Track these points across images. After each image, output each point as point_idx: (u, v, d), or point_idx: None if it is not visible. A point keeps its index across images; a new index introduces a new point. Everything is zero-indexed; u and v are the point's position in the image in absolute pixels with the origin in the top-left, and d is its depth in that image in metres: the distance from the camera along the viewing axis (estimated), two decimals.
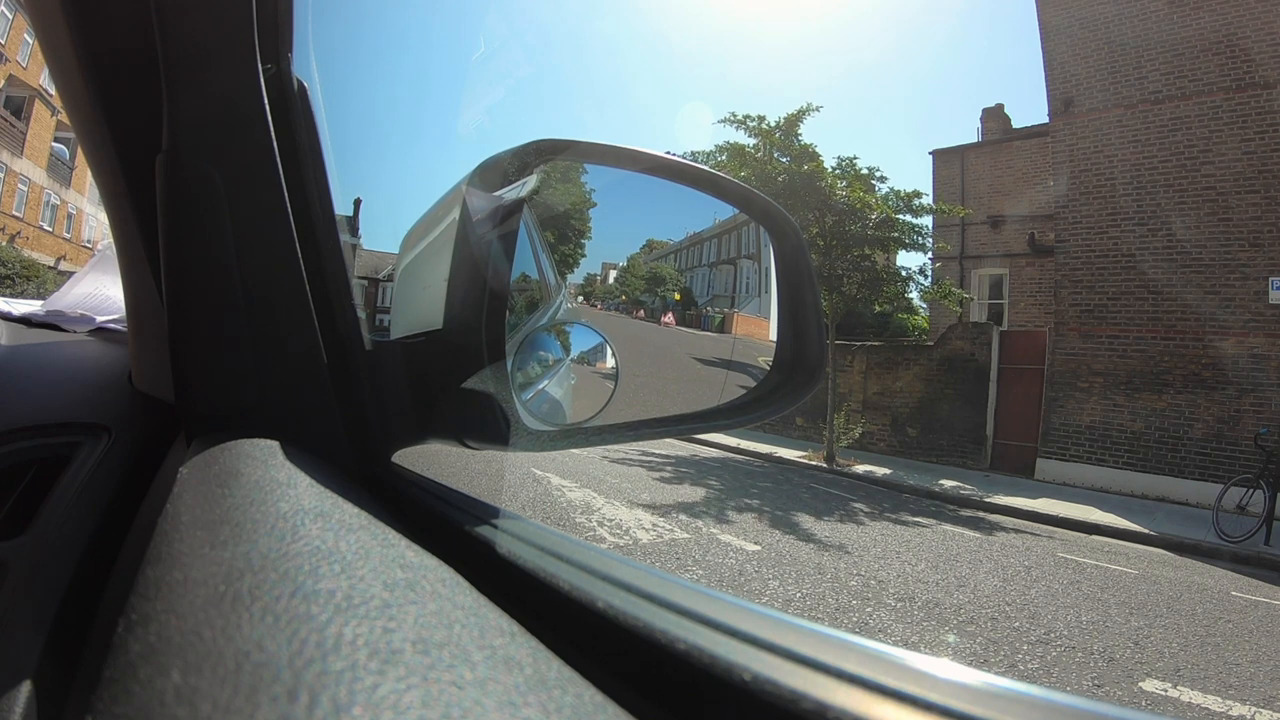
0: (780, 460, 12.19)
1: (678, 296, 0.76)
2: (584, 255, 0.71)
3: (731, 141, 12.48)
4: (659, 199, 0.73)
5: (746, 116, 12.05)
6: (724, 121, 12.21)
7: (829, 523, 7.21)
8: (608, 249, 0.72)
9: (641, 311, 0.74)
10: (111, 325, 1.26)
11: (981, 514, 9.04)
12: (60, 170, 25.95)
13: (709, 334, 0.80)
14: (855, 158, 12.35)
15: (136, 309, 0.78)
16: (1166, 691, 3.55)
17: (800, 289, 0.76)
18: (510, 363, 0.61)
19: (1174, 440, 10.92)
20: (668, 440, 11.08)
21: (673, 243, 0.77)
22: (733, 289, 0.82)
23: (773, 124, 11.96)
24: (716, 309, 0.82)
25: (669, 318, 0.76)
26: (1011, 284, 15.70)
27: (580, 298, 0.71)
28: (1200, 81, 11.10)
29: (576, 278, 0.71)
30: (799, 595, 4.60)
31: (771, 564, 5.25)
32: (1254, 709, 3.39)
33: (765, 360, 0.77)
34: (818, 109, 12.00)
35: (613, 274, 0.73)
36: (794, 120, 11.84)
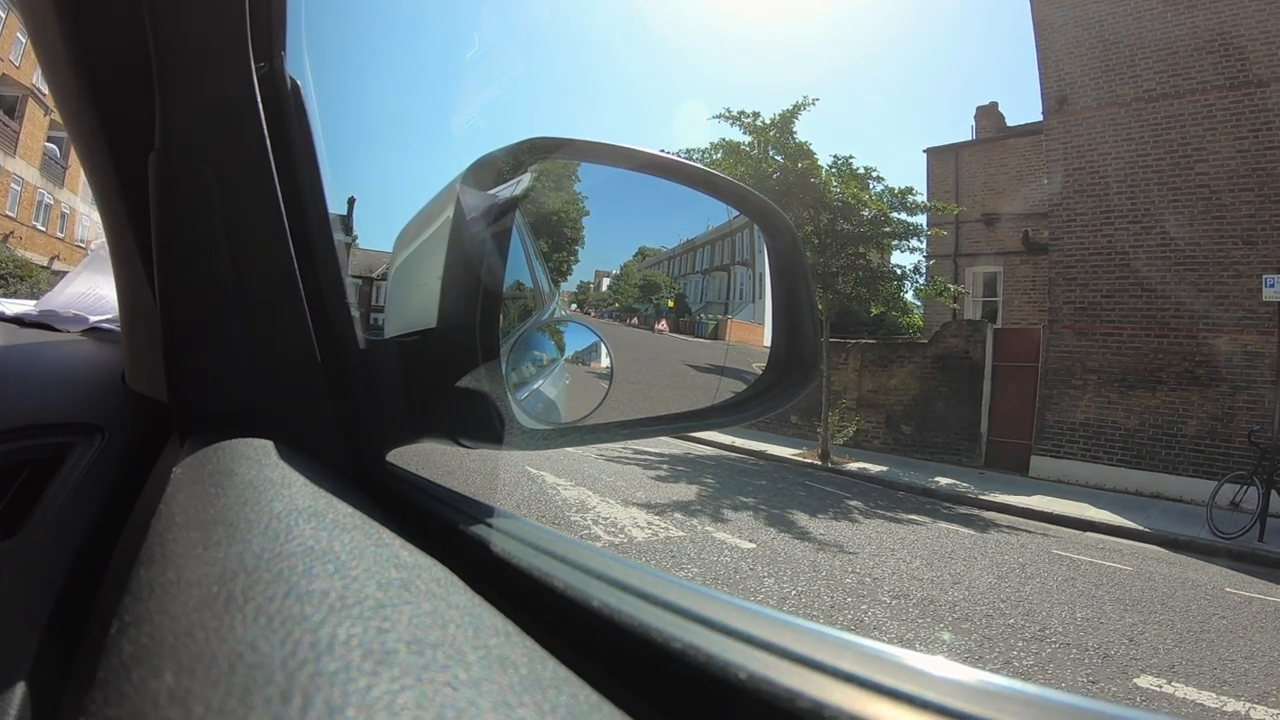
0: (775, 458, 12.20)
1: (671, 304, 0.76)
2: (577, 262, 0.71)
3: (726, 139, 12.45)
4: (653, 199, 0.73)
5: (741, 112, 12.00)
6: (720, 117, 12.15)
7: (824, 520, 7.22)
8: (601, 256, 0.72)
9: (635, 319, 0.74)
10: (105, 325, 1.25)
11: (976, 511, 9.07)
12: (53, 169, 25.80)
13: (703, 340, 0.80)
14: (851, 156, 12.35)
15: (130, 308, 0.78)
16: (1161, 688, 3.57)
17: (795, 286, 0.76)
18: (505, 362, 0.62)
19: (1168, 437, 10.97)
20: (662, 439, 11.10)
21: (666, 250, 0.77)
22: (726, 295, 0.82)
23: (768, 121, 11.93)
24: (710, 315, 0.81)
25: (663, 324, 0.76)
26: (1005, 282, 15.74)
27: (574, 305, 0.71)
28: (1194, 80, 11.14)
29: (570, 285, 0.70)
30: (794, 593, 4.60)
31: (767, 562, 5.26)
32: (1248, 705, 3.40)
33: (759, 366, 0.77)
34: (814, 101, 11.93)
35: (606, 282, 0.73)
36: (790, 116, 11.78)
